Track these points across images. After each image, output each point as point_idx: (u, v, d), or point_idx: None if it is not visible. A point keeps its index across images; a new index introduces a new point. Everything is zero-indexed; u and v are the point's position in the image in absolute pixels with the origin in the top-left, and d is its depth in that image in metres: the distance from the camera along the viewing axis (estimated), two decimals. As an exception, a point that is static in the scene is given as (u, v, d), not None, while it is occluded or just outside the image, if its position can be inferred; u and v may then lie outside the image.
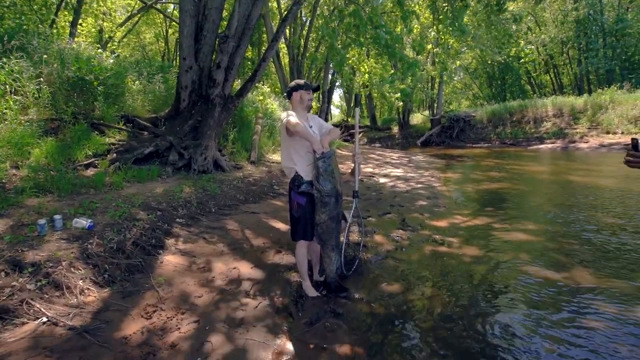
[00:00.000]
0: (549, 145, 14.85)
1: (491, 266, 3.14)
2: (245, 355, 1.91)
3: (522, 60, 21.46)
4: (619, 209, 4.85)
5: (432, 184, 7.33)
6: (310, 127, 2.52)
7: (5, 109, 4.66)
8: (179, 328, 2.08)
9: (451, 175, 8.88)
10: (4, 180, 3.66)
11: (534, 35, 23.56)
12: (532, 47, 21.79)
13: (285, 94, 2.60)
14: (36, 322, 1.99)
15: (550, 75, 25.92)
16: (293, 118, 2.37)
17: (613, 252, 3.38)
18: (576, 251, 3.43)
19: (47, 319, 2.01)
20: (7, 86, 4.89)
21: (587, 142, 13.85)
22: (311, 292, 2.58)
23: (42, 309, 2.06)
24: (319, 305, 2.46)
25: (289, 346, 2.00)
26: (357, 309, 2.44)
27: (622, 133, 13.38)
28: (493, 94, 27.10)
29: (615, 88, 15.93)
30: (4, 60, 5.05)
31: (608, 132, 13.85)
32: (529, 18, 22.29)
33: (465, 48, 17.60)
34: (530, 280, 2.85)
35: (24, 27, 8.66)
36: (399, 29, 7.55)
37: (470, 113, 19.93)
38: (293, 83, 2.58)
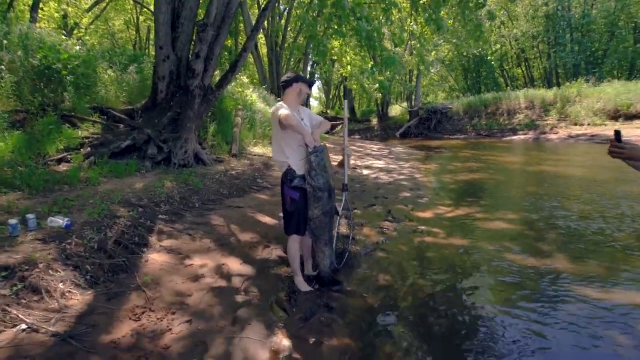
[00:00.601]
0: (522, 137, 15.44)
1: (475, 255, 3.24)
2: (242, 354, 1.87)
3: (489, 57, 22.12)
4: (586, 196, 5.13)
5: (414, 175, 7.46)
6: (302, 119, 2.48)
7: (-37, 100, 4.31)
8: (171, 329, 2.02)
9: (431, 166, 9.07)
10: (-34, 178, 3.39)
11: (506, 29, 24.26)
12: (498, 45, 22.46)
13: (282, 83, 2.53)
14: (14, 329, 1.86)
15: (522, 68, 26.83)
16: (285, 110, 2.31)
17: (583, 236, 3.58)
18: (551, 237, 3.61)
19: (26, 326, 1.89)
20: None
21: (556, 134, 14.50)
22: (304, 286, 2.57)
23: (19, 315, 1.93)
24: (312, 299, 2.45)
25: (286, 343, 1.99)
26: (350, 303, 2.46)
27: (589, 124, 14.10)
28: (468, 86, 27.78)
29: (582, 81, 16.71)
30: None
31: (576, 124, 14.56)
32: (502, 12, 22.87)
33: (441, 40, 17.86)
34: (513, 266, 2.96)
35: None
36: (377, 21, 7.55)
37: (447, 105, 20.36)
38: (292, 74, 2.51)
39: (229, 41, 14.77)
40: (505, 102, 17.88)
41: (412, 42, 11.92)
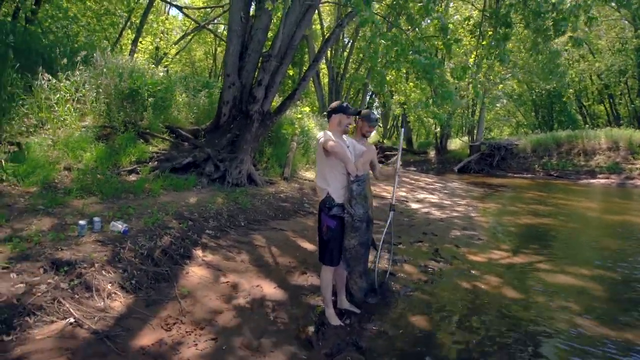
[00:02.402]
0: (602, 180, 13.68)
1: (530, 311, 2.83)
2: (260, 382, 1.81)
3: (564, 95, 20.25)
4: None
5: (469, 213, 6.94)
6: (347, 147, 2.48)
7: (66, 115, 5.09)
8: (196, 344, 2.04)
9: (490, 205, 8.39)
10: (55, 181, 3.93)
11: (586, 62, 22.31)
12: (576, 78, 20.45)
13: (325, 113, 2.61)
14: (64, 322, 2.03)
15: (605, 106, 24.23)
16: (330, 138, 2.34)
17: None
18: (628, 300, 3.02)
19: (74, 320, 2.06)
20: (70, 95, 5.36)
21: (647, 180, 12.62)
22: (334, 320, 2.46)
23: (71, 309, 2.11)
24: (341, 335, 2.33)
25: (306, 378, 1.88)
26: (381, 344, 2.28)
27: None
28: (539, 122, 25.73)
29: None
30: (69, 72, 5.57)
31: (672, 170, 12.54)
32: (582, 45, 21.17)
33: (509, 74, 16.96)
34: (575, 332, 2.52)
35: (94, 43, 9.60)
36: (437, 53, 7.43)
37: (512, 141, 18.98)
38: (335, 104, 2.56)
39: (292, 71, 15.70)
40: (582, 141, 16.10)
41: (474, 72, 11.50)
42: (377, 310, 2.68)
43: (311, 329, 2.37)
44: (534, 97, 25.30)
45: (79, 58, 5.87)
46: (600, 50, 22.47)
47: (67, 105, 5.18)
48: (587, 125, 21.77)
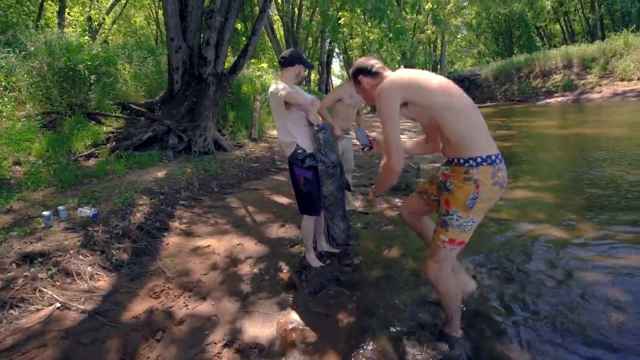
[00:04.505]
0: (559, 99, 14.34)
1: (497, 227, 3.11)
2: (251, 327, 1.96)
3: (533, 15, 20.10)
4: (629, 160, 4.71)
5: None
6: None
7: (1, 106, 4.66)
8: (187, 305, 2.15)
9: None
10: (7, 177, 3.72)
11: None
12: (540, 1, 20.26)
13: (281, 60, 2.49)
14: (50, 307, 2.07)
15: (560, 24, 24.57)
16: (290, 90, 2.29)
17: (614, 202, 3.31)
18: (583, 206, 3.38)
19: (60, 304, 2.09)
20: (1, 82, 4.87)
21: (599, 92, 13.31)
22: (315, 262, 2.61)
23: (54, 296, 2.14)
24: (322, 274, 2.49)
25: (294, 316, 2.05)
26: (360, 276, 2.48)
27: (639, 79, 12.77)
28: (499, 49, 25.95)
29: (629, 32, 15.03)
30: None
31: (622, 80, 13.23)
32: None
33: (466, 3, 16.67)
34: (539, 240, 2.82)
35: (12, 21, 8.51)
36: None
37: (475, 71, 19.27)
38: (289, 53, 2.45)
39: (240, 26, 14.68)
40: (539, 64, 16.57)
41: (433, 6, 11.23)
42: (354, 247, 2.86)
43: (294, 273, 2.52)
44: (492, 24, 25.22)
45: (-2, 40, 5.25)
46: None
47: (0, 95, 4.74)
48: (544, 47, 22.16)
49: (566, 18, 23.71)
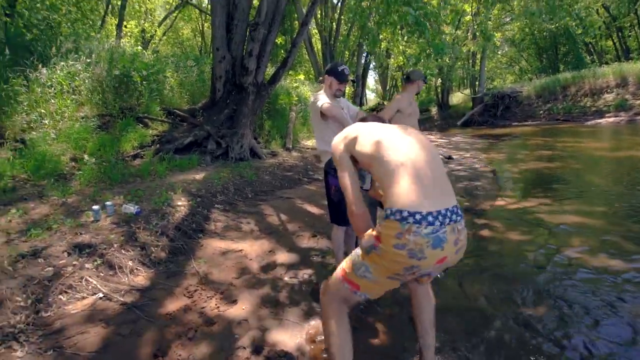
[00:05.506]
0: (611, 119, 13.39)
1: (539, 253, 2.93)
2: (280, 334, 1.96)
3: (582, 31, 19.07)
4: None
5: (474, 164, 6.95)
6: (342, 109, 2.48)
7: (64, 107, 5.10)
8: (218, 307, 2.19)
9: (495, 155, 8.35)
10: (64, 172, 4.03)
11: (592, -3, 21.02)
12: (590, 16, 19.14)
13: (320, 79, 2.55)
14: (94, 297, 2.19)
15: (613, 40, 23.12)
16: (326, 101, 2.34)
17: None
18: (630, 232, 3.10)
19: (103, 295, 2.21)
20: (65, 86, 5.34)
21: (657, 114, 12.32)
22: (345, 274, 2.58)
23: (98, 286, 2.27)
24: (352, 287, 2.45)
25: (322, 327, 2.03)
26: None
27: (702, 101, 11.69)
28: (544, 66, 24.80)
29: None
30: (62, 63, 5.51)
31: (684, 101, 12.18)
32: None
33: (508, 18, 16.16)
34: (586, 269, 2.62)
35: (78, 32, 9.35)
36: (434, 2, 7.04)
37: (516, 89, 18.49)
38: (331, 65, 2.53)
39: (280, 39, 15.16)
40: (588, 82, 15.59)
41: (474, 21, 11.00)
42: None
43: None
44: (536, 40, 24.22)
45: (65, 48, 5.77)
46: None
47: (64, 97, 5.19)
48: (594, 63, 20.91)
49: (620, 34, 22.31)
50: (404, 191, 1.27)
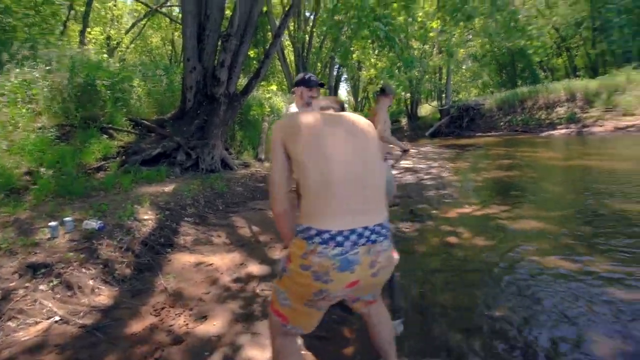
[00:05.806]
0: (562, 131, 14.45)
1: (502, 257, 3.07)
2: (253, 349, 1.92)
3: (531, 50, 20.70)
4: (635, 192, 4.69)
5: (441, 174, 7.23)
6: None
7: (18, 116, 4.79)
8: (187, 324, 2.11)
9: (461, 164, 8.74)
10: (18, 186, 3.77)
11: (545, 18, 22.84)
12: (542, 37, 20.76)
13: (292, 90, 2.55)
14: (49, 321, 2.04)
15: (563, 58, 25.15)
16: (293, 112, 2.36)
17: (629, 237, 3.27)
18: (591, 238, 3.34)
19: (59, 318, 2.07)
20: (19, 95, 5.03)
21: (602, 126, 13.42)
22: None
23: (54, 309, 2.12)
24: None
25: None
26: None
27: (641, 115, 12.91)
28: (503, 81, 26.46)
29: (631, 68, 15.34)
30: (17, 70, 5.20)
31: (625, 115, 13.37)
32: (538, 0, 21.62)
33: (470, 35, 17.19)
34: (543, 270, 2.78)
35: (35, 37, 8.89)
36: (402, 18, 7.39)
37: (479, 101, 19.55)
38: (298, 77, 2.56)
39: (252, 52, 15.18)
40: (543, 96, 16.80)
41: (439, 38, 11.61)
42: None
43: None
44: (496, 56, 25.83)
45: (22, 55, 5.47)
46: (556, 2, 23.01)
47: (18, 107, 4.88)
48: (547, 80, 22.61)
49: (568, 53, 24.33)
50: (316, 206, 1.15)
